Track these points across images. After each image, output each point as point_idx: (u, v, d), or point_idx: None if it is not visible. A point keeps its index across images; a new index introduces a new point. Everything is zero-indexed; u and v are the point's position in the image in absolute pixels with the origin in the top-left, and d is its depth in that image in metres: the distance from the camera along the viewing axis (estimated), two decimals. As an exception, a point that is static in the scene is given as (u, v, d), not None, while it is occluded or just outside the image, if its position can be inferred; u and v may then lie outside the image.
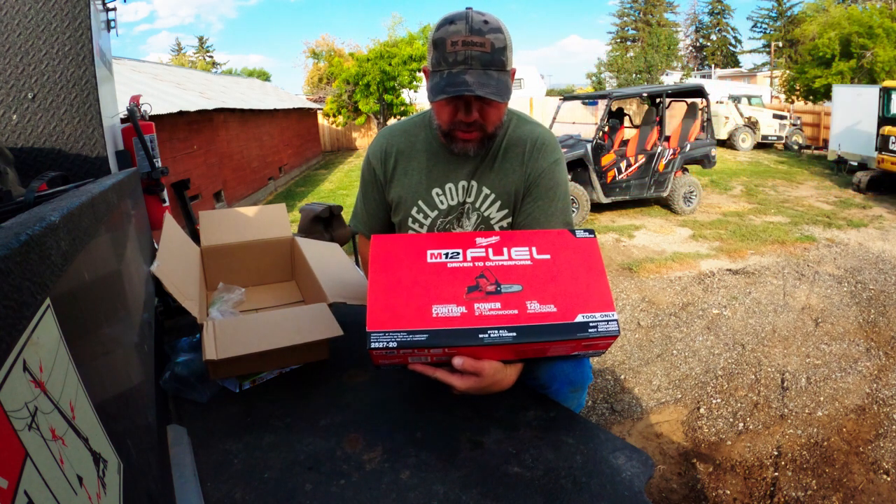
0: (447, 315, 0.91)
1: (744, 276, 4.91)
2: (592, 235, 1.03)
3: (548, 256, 0.99)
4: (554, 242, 1.01)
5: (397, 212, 1.28)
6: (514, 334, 0.90)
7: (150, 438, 0.82)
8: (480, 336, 0.89)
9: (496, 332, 0.89)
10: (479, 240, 1.00)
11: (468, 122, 1.10)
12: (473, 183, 1.23)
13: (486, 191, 1.23)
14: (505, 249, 0.99)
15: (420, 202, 1.25)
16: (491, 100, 1.06)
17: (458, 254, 0.97)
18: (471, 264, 0.97)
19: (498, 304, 0.92)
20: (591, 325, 0.92)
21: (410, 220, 1.26)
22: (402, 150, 1.26)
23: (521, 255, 0.99)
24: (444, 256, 0.97)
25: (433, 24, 1.12)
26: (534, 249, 0.99)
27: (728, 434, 2.70)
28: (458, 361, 0.92)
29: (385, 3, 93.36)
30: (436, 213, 1.25)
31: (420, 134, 1.26)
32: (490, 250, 0.99)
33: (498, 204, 1.24)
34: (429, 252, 0.97)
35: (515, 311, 0.92)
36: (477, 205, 1.24)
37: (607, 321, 0.93)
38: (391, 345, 0.89)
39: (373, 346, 0.89)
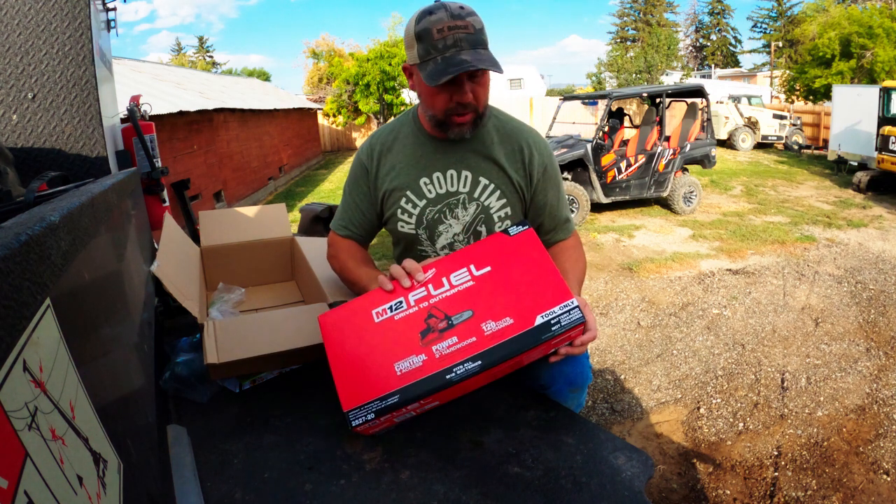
0: (409, 368, 0.89)
1: (744, 276, 4.91)
2: (527, 227, 1.00)
3: (488, 269, 0.96)
4: (491, 251, 0.98)
5: (387, 206, 1.29)
6: (480, 363, 0.87)
7: (150, 438, 0.82)
8: (448, 377, 0.87)
9: (461, 367, 0.87)
10: (418, 277, 0.97)
11: (464, 104, 1.13)
12: (467, 174, 1.25)
13: (483, 181, 1.26)
14: (444, 279, 0.96)
15: (409, 192, 1.26)
16: (481, 79, 1.13)
17: (402, 303, 0.95)
18: (416, 308, 0.94)
19: (455, 339, 0.90)
20: (552, 323, 0.89)
21: (400, 211, 1.28)
22: (388, 146, 1.29)
23: (461, 278, 0.96)
24: (389, 311, 0.95)
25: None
26: (472, 267, 0.97)
27: (728, 434, 2.70)
28: (564, 351, 0.96)
29: (385, 3, 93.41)
30: (424, 202, 1.26)
31: (405, 129, 1.30)
32: (430, 286, 0.96)
33: (498, 193, 1.26)
34: (374, 312, 0.96)
35: (474, 339, 0.89)
36: (475, 195, 1.26)
37: (568, 311, 0.90)
38: (370, 417, 0.88)
39: (353, 423, 0.89)
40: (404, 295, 0.96)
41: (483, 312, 0.91)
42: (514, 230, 1.00)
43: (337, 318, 0.98)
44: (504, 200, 1.27)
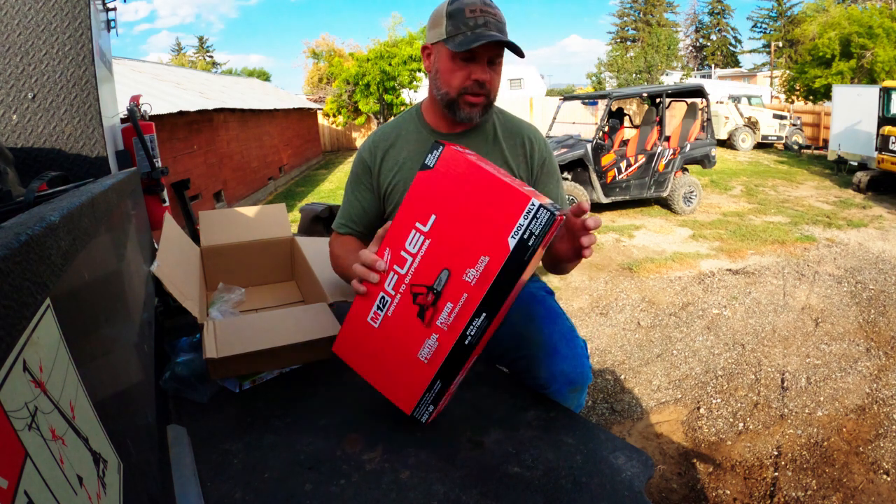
0: (431, 352, 0.90)
1: (744, 276, 4.91)
2: (441, 148, 0.89)
3: (433, 217, 0.87)
4: (424, 197, 0.88)
5: (390, 200, 1.30)
6: (485, 314, 0.85)
7: (150, 438, 0.82)
8: (466, 342, 0.88)
9: (471, 327, 0.86)
10: (379, 267, 0.92)
11: (481, 83, 1.16)
12: None
13: None
14: (402, 253, 0.90)
15: None
16: (498, 66, 1.18)
17: (384, 298, 0.93)
18: (399, 295, 0.91)
19: (449, 304, 0.87)
20: (525, 237, 0.81)
21: None
22: (391, 142, 1.30)
23: (416, 243, 0.88)
24: (380, 312, 0.93)
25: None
26: (418, 224, 0.88)
27: (728, 434, 2.70)
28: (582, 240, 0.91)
29: (385, 3, 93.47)
30: None
31: (408, 126, 1.31)
32: (395, 267, 0.91)
33: None
34: (368, 320, 0.95)
35: (465, 295, 0.85)
36: None
37: (534, 216, 0.80)
38: (430, 409, 0.93)
39: (423, 420, 0.95)
40: (381, 289, 0.93)
41: (458, 264, 0.85)
42: (430, 159, 0.88)
43: (345, 341, 1.00)
44: None
